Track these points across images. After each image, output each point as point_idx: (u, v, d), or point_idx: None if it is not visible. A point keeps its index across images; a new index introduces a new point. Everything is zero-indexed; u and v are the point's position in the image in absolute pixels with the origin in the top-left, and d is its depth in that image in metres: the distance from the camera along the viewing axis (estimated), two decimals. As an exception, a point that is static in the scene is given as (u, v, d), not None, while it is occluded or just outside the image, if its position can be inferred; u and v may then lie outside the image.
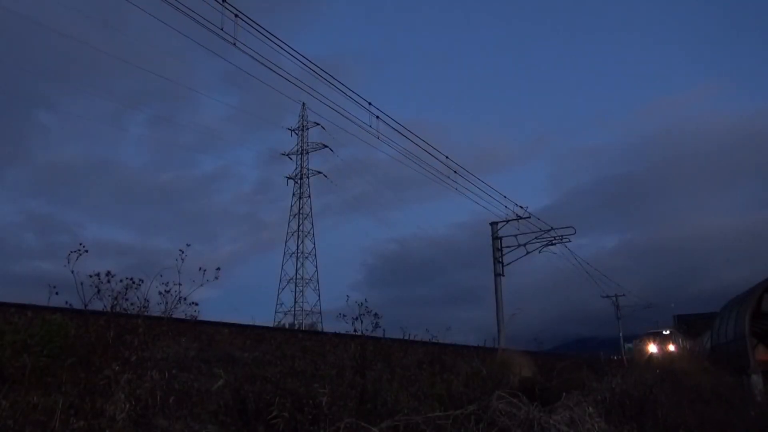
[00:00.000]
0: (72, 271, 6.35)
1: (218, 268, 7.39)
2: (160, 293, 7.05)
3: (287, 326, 39.13)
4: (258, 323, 15.58)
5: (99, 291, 6.65)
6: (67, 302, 6.63)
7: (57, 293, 6.52)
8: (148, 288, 7.03)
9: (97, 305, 6.75)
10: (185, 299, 7.20)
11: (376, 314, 9.54)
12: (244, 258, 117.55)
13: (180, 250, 7.13)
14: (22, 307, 8.07)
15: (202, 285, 7.18)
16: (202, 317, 9.12)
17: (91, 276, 6.61)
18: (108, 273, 6.76)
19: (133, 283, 6.91)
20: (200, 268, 7.21)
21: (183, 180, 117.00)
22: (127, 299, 6.89)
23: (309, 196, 58.89)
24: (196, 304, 7.47)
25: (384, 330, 9.97)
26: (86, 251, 6.46)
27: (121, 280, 6.86)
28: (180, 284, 7.08)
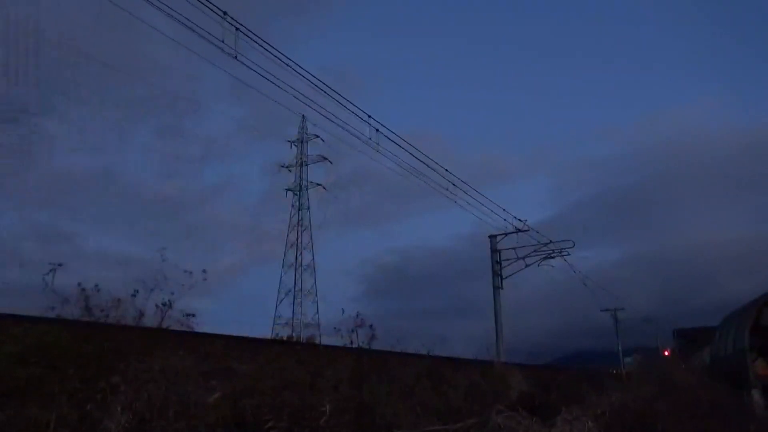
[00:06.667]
0: (48, 285, 6.43)
1: (204, 270, 7.36)
2: (156, 306, 7.06)
3: (285, 339, 38.93)
4: (256, 335, 15.50)
5: (87, 305, 6.70)
6: (57, 314, 6.66)
7: (54, 308, 6.57)
8: (147, 298, 7.05)
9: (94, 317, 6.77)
10: (171, 306, 7.20)
11: (371, 325, 9.55)
12: (244, 269, 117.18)
13: (160, 254, 7.16)
14: (18, 318, 8.03)
15: (191, 288, 7.17)
16: (200, 329, 9.10)
17: (83, 289, 6.66)
18: (95, 286, 6.82)
19: (135, 294, 6.93)
20: (185, 270, 7.19)
21: (186, 191, 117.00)
22: (118, 310, 6.91)
23: (308, 208, 58.96)
24: (193, 315, 7.48)
25: (380, 342, 9.97)
26: (59, 265, 6.56)
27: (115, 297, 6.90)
28: (172, 293, 7.10)
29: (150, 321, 7.18)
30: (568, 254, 27.20)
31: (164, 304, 7.11)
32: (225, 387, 7.40)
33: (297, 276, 56.23)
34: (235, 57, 12.65)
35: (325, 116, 15.26)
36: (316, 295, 56.04)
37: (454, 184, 20.81)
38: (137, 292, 6.95)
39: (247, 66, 12.95)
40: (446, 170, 20.18)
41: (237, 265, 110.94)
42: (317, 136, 56.05)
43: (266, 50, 13.05)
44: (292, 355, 10.50)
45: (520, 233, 25.63)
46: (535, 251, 26.09)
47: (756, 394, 27.33)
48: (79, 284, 6.74)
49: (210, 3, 11.66)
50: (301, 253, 57.07)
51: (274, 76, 13.37)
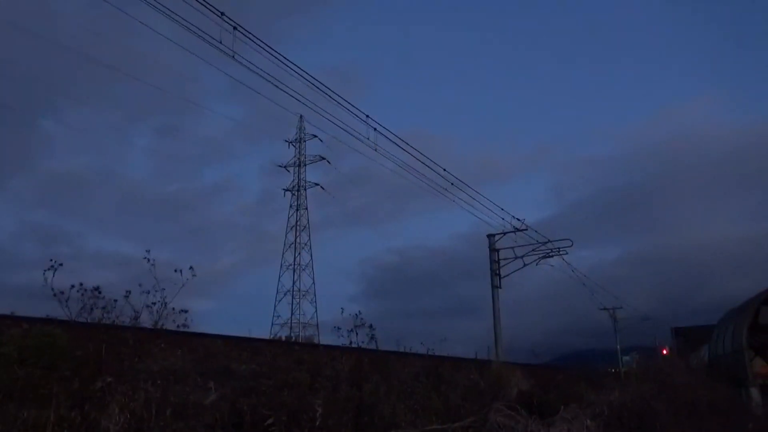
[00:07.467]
0: (52, 288, 6.45)
1: (191, 267, 7.32)
2: (146, 306, 7.04)
3: (284, 339, 38.88)
4: (254, 336, 15.50)
5: (84, 306, 6.69)
6: (48, 315, 6.66)
7: (51, 314, 6.58)
8: (145, 299, 7.05)
9: (90, 317, 6.77)
10: (166, 305, 7.18)
11: (370, 326, 9.55)
12: (244, 270, 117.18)
13: (146, 257, 7.14)
14: (17, 319, 8.01)
15: (183, 286, 7.15)
16: (198, 329, 9.08)
17: (76, 289, 6.66)
18: (97, 287, 6.82)
19: (127, 295, 6.93)
20: (175, 269, 7.17)
21: (186, 191, 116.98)
22: (114, 311, 6.91)
23: (306, 208, 58.90)
24: (186, 311, 7.44)
25: (377, 342, 9.96)
26: (60, 265, 6.50)
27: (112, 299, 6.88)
28: (164, 289, 7.09)
29: (146, 321, 7.16)
30: (567, 253, 27.18)
31: (154, 304, 7.08)
32: (223, 387, 7.38)
33: (295, 276, 56.26)
34: (233, 57, 12.63)
35: (323, 116, 15.25)
36: (315, 295, 56.08)
37: (452, 184, 20.81)
38: (129, 293, 6.94)
39: (245, 66, 12.93)
40: (445, 170, 20.18)
41: (236, 265, 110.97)
42: (315, 136, 56.04)
43: (264, 50, 13.03)
44: (291, 355, 10.49)
45: (518, 232, 25.61)
46: (533, 250, 26.05)
47: (754, 392, 27.43)
48: (81, 284, 6.73)
49: (208, 3, 11.64)
50: (299, 253, 57.10)
51: (272, 76, 13.36)
